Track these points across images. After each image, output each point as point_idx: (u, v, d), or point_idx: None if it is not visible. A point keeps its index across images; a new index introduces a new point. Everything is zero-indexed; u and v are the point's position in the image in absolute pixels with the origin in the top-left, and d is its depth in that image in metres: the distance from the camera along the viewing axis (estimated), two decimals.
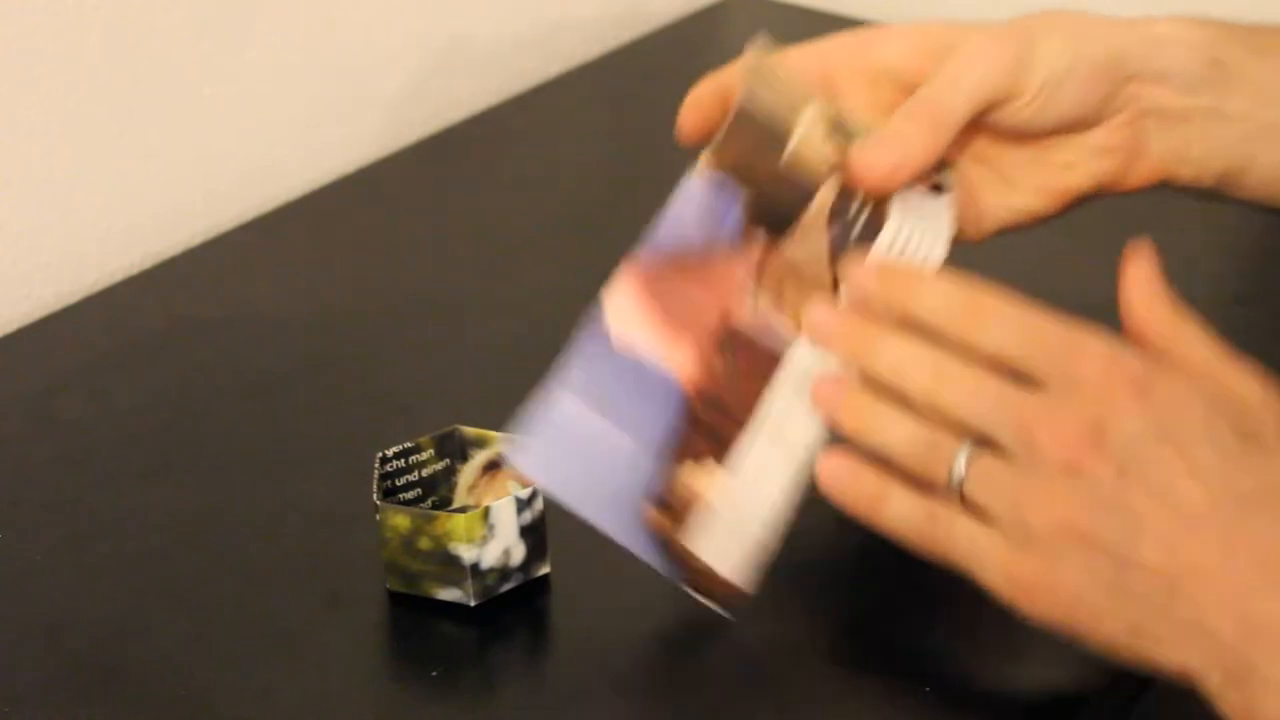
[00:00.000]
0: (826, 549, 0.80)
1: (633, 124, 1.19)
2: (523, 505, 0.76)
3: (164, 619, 0.77)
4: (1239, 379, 0.66)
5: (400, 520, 0.75)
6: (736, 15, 1.31)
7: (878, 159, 0.73)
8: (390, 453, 0.78)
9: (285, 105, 1.11)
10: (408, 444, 0.78)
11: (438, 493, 0.80)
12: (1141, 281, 0.69)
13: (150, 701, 0.73)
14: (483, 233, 1.06)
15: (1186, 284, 0.99)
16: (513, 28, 1.23)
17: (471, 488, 0.80)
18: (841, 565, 0.80)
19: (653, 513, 0.71)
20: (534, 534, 0.76)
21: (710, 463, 0.71)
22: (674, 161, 1.15)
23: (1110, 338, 0.66)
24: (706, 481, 0.71)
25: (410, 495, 0.79)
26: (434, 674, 0.75)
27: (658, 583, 0.78)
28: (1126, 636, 0.65)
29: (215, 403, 0.91)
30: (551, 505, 0.75)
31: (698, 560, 0.72)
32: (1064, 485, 0.65)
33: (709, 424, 0.72)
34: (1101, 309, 0.64)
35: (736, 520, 0.72)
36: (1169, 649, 0.64)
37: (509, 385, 0.92)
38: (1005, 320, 0.67)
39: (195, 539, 0.82)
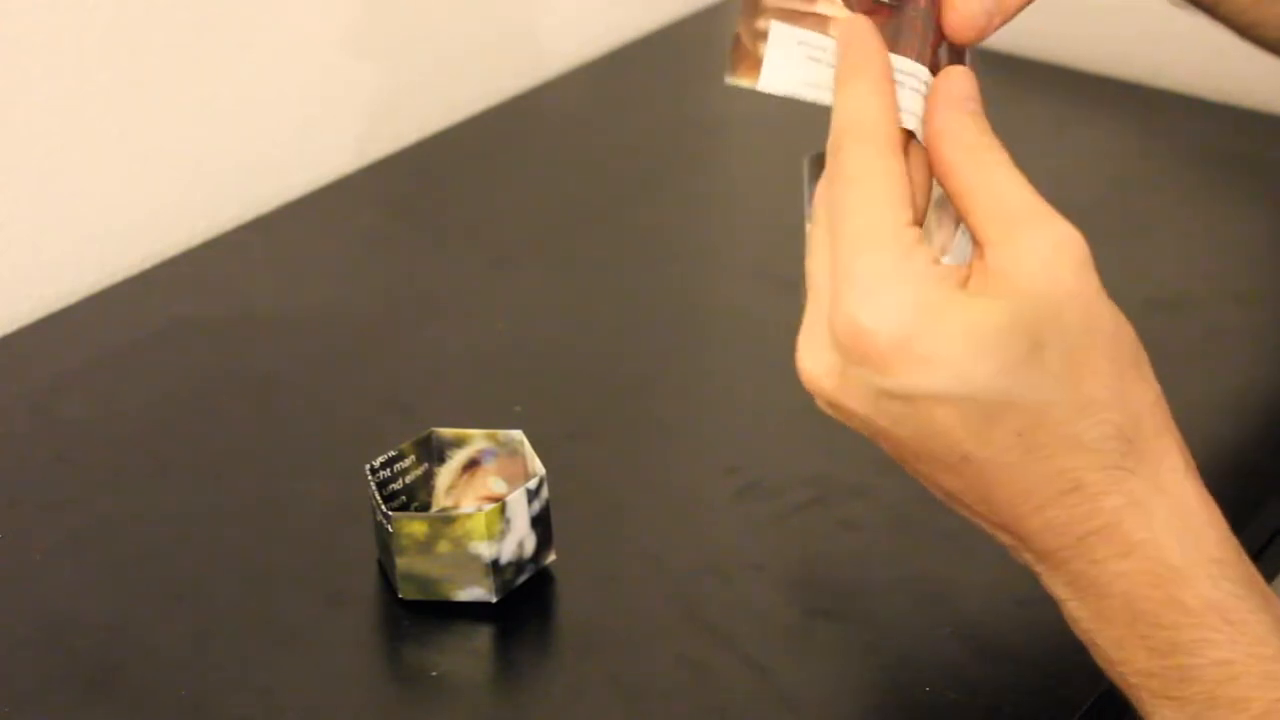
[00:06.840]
0: (824, 548, 0.80)
1: (633, 124, 1.19)
2: (532, 495, 0.76)
3: (164, 619, 0.77)
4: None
5: (416, 527, 0.75)
6: (735, 16, 1.31)
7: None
8: (378, 463, 0.78)
9: (285, 105, 1.11)
10: (392, 452, 0.78)
11: (418, 498, 0.79)
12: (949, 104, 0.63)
13: (150, 701, 0.73)
14: (483, 233, 1.06)
15: (1186, 284, 1.00)
16: (512, 28, 1.23)
17: (450, 488, 0.80)
18: (839, 566, 0.80)
19: None
20: (543, 523, 0.77)
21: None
22: (674, 162, 1.16)
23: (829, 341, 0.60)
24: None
25: (397, 504, 0.78)
26: (433, 674, 0.75)
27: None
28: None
29: (215, 403, 0.91)
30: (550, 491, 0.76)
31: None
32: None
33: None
34: None
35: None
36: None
37: (508, 385, 0.92)
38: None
39: (195, 539, 0.82)
